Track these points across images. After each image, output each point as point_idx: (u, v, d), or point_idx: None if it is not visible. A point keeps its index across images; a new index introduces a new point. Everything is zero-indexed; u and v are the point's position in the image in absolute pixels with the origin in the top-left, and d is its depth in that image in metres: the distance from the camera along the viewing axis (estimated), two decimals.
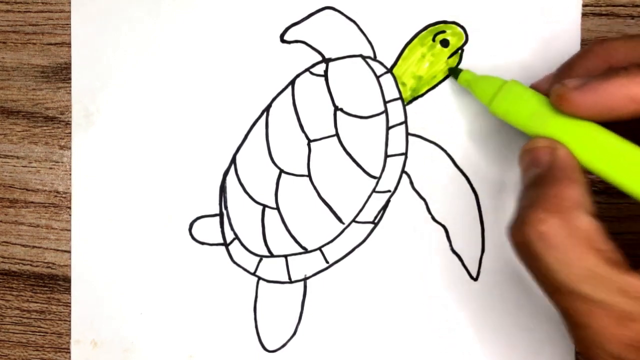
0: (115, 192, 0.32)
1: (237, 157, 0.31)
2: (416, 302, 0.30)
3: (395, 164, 0.30)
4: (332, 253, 0.31)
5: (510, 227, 0.22)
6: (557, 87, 0.23)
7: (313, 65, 0.31)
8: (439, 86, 0.30)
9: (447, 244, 0.30)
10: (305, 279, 0.31)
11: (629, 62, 0.23)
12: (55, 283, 0.33)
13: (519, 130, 0.25)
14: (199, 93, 0.31)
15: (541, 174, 0.22)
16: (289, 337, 0.31)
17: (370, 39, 0.30)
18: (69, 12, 0.32)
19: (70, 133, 0.32)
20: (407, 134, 0.30)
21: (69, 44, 0.32)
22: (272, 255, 0.31)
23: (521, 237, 0.21)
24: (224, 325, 0.31)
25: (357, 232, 0.31)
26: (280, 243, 0.31)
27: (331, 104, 0.31)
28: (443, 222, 0.30)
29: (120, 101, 0.32)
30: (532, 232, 0.21)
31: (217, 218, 0.31)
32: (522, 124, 0.24)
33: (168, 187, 0.32)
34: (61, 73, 0.32)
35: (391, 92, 0.30)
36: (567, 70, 0.25)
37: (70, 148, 0.32)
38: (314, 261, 0.31)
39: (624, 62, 0.23)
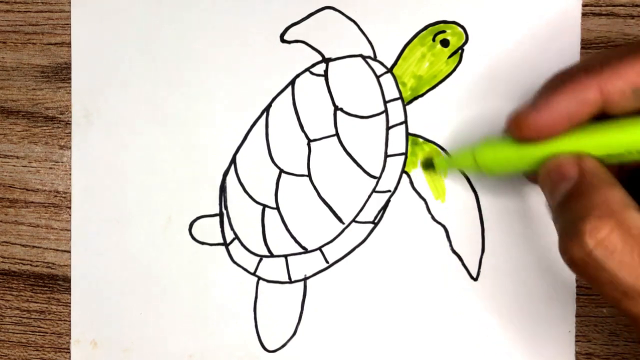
0: (115, 192, 0.32)
1: (237, 157, 0.31)
2: (416, 302, 0.30)
3: (395, 164, 0.30)
4: (332, 253, 0.31)
5: (565, 245, 0.21)
6: (509, 116, 0.23)
7: (313, 65, 0.31)
8: (439, 86, 0.30)
9: (447, 244, 0.30)
10: (305, 279, 0.31)
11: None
12: (55, 283, 0.33)
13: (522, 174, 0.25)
14: (198, 93, 0.31)
15: (575, 187, 0.22)
16: (289, 337, 0.31)
17: (370, 39, 0.30)
18: (69, 12, 0.32)
19: (70, 133, 0.32)
20: (407, 133, 0.30)
21: (69, 44, 0.32)
22: (272, 255, 0.31)
23: (580, 251, 0.20)
24: (224, 325, 0.31)
25: (357, 232, 0.31)
26: (280, 243, 0.31)
27: (331, 104, 0.31)
28: (443, 222, 0.30)
29: (120, 101, 0.32)
30: (590, 242, 0.20)
31: (217, 218, 0.31)
32: (516, 166, 0.24)
33: (168, 187, 0.32)
34: (61, 73, 0.32)
35: (391, 91, 0.30)
36: None
37: (70, 148, 0.32)
38: (314, 261, 0.31)
39: None
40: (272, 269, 0.31)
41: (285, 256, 0.31)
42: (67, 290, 0.33)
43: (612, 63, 0.21)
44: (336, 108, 0.31)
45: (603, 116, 0.23)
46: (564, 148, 0.23)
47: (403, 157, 0.30)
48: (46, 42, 0.32)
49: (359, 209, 0.31)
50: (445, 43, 0.30)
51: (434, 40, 0.30)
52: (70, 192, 0.32)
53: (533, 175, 0.27)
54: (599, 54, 0.24)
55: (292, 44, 0.31)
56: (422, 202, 0.30)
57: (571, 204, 0.22)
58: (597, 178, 0.22)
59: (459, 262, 0.30)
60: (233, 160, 0.31)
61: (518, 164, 0.24)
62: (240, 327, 0.31)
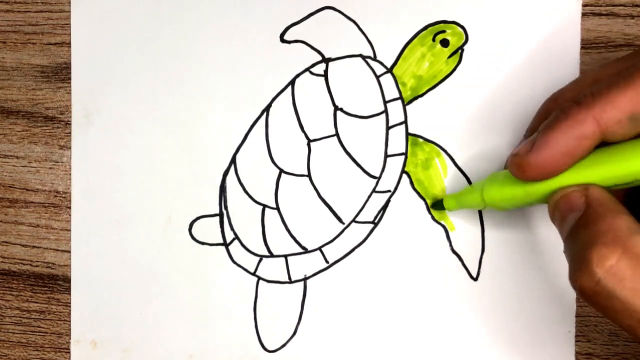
0: (115, 192, 0.32)
1: (237, 157, 0.31)
2: (416, 302, 0.30)
3: (395, 164, 0.30)
4: (332, 253, 0.31)
5: (575, 275, 0.21)
6: (510, 159, 0.23)
7: (313, 65, 0.31)
8: (439, 86, 0.30)
9: (447, 244, 0.30)
10: (305, 279, 0.31)
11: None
12: (55, 283, 0.33)
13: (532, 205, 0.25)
14: (198, 93, 0.31)
15: (582, 217, 0.22)
16: (289, 337, 0.31)
17: (370, 39, 0.30)
18: (69, 12, 0.32)
19: (70, 133, 0.32)
20: (407, 133, 0.30)
21: (69, 44, 0.32)
22: (272, 255, 0.31)
23: (589, 280, 0.20)
24: (224, 325, 0.31)
25: (357, 232, 0.31)
26: (280, 243, 0.31)
27: (331, 104, 0.31)
28: (443, 222, 0.30)
29: (120, 101, 0.32)
30: (599, 271, 0.20)
31: (217, 218, 0.31)
32: (524, 202, 0.24)
33: (168, 187, 0.32)
34: (61, 73, 0.32)
35: (391, 91, 0.30)
36: (532, 135, 0.25)
37: (70, 148, 0.32)
38: (314, 261, 0.31)
39: None
40: (272, 269, 0.31)
41: (285, 256, 0.31)
42: (67, 290, 0.33)
43: (602, 93, 0.21)
44: (336, 108, 0.31)
45: (604, 143, 0.22)
46: (570, 180, 0.22)
47: (403, 157, 0.30)
48: (46, 42, 0.32)
49: (359, 209, 0.31)
50: (445, 43, 0.30)
51: (434, 40, 0.30)
52: (70, 192, 0.32)
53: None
54: (586, 76, 0.24)
55: (292, 44, 0.31)
56: (422, 202, 0.30)
57: (579, 234, 0.22)
58: (604, 207, 0.21)
59: (459, 262, 0.30)
60: (233, 160, 0.31)
61: (526, 200, 0.24)
62: (240, 327, 0.31)
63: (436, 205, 0.30)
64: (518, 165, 0.23)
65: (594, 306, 0.21)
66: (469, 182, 0.30)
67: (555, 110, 0.22)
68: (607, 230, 0.21)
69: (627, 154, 0.22)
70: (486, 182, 0.26)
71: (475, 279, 0.30)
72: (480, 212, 0.30)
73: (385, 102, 0.30)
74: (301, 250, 0.31)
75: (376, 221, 0.31)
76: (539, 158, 0.22)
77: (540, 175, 0.22)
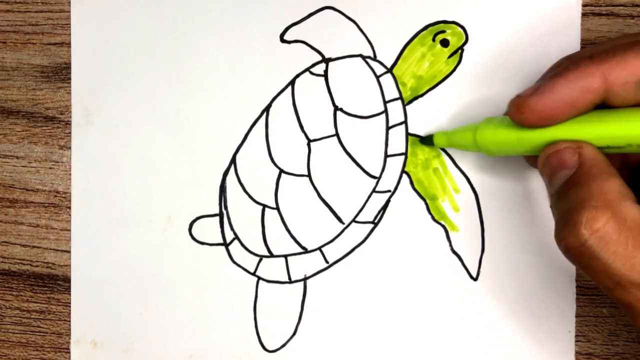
0: (115, 192, 0.32)
1: (237, 157, 0.31)
2: (416, 302, 0.30)
3: (395, 164, 0.30)
4: (332, 253, 0.31)
5: (561, 234, 0.21)
6: (512, 100, 0.23)
7: (313, 65, 0.31)
8: (439, 86, 0.30)
9: (447, 244, 0.30)
10: (305, 279, 0.31)
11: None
12: (55, 283, 0.33)
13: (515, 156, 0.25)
14: (198, 93, 0.31)
15: (574, 175, 0.22)
16: (289, 337, 0.31)
17: (370, 39, 0.30)
18: (69, 12, 0.32)
19: (70, 133, 0.32)
20: (407, 134, 0.30)
21: (69, 44, 0.32)
22: (272, 255, 0.31)
23: (576, 240, 0.21)
24: (224, 325, 0.31)
25: (357, 232, 0.31)
26: (280, 243, 0.31)
27: (331, 104, 0.31)
28: (443, 222, 0.30)
29: (120, 101, 0.32)
30: (586, 232, 0.20)
31: (217, 218, 0.31)
32: (516, 150, 0.24)
33: (168, 187, 0.32)
34: (61, 73, 0.32)
35: (391, 91, 0.30)
36: None
37: (70, 148, 0.32)
38: (314, 261, 0.31)
39: None
40: (272, 269, 0.31)
41: (285, 256, 0.31)
42: (67, 290, 0.33)
43: (617, 53, 0.21)
44: (336, 108, 0.31)
45: (604, 106, 0.22)
46: (565, 135, 0.22)
47: (403, 157, 0.30)
48: (46, 42, 0.32)
49: (359, 209, 0.31)
50: (445, 43, 0.30)
51: (434, 40, 0.30)
52: (70, 192, 0.32)
53: (533, 159, 0.27)
54: (605, 42, 0.23)
55: (292, 44, 0.31)
56: (422, 202, 0.30)
57: (569, 193, 0.22)
58: (596, 168, 0.22)
59: (459, 262, 0.30)
60: (233, 160, 0.31)
61: (518, 148, 0.24)
62: (240, 327, 0.31)
63: (425, 140, 0.29)
64: (518, 106, 0.22)
65: (575, 264, 0.22)
66: (469, 182, 0.30)
67: (564, 59, 0.22)
68: (597, 192, 0.21)
69: (626, 116, 0.22)
70: (481, 124, 0.25)
71: (475, 279, 0.30)
72: (480, 213, 0.30)
73: (385, 102, 0.30)
74: (301, 250, 0.31)
75: (376, 221, 0.31)
76: (540, 102, 0.22)
77: (537, 119, 0.22)
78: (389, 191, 0.30)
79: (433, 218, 0.30)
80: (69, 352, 0.32)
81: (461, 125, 0.30)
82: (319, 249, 0.31)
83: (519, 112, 0.23)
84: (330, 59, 0.31)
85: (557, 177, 0.23)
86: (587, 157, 0.22)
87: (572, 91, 0.22)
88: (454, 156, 0.30)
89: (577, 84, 0.22)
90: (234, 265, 0.31)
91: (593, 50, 0.22)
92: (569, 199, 0.22)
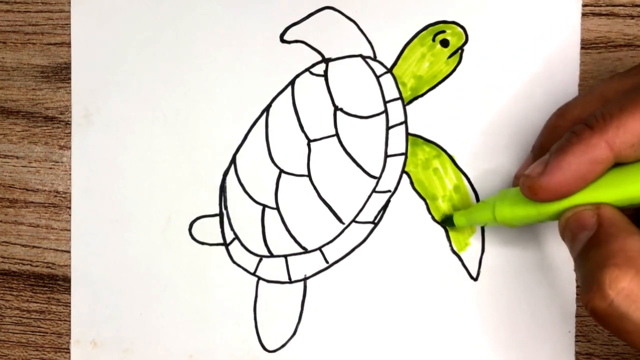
0: (115, 192, 0.32)
1: (237, 157, 0.31)
2: (416, 302, 0.30)
3: (395, 164, 0.30)
4: (332, 253, 0.31)
5: (587, 296, 0.21)
6: (522, 180, 0.23)
7: (313, 65, 0.31)
8: (439, 86, 0.30)
9: (447, 244, 0.30)
10: (305, 279, 0.31)
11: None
12: (55, 283, 0.33)
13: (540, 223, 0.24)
14: (198, 93, 0.31)
15: (594, 236, 0.22)
16: (289, 337, 0.31)
17: (370, 39, 0.30)
18: (69, 12, 0.32)
19: (70, 133, 0.32)
20: (407, 134, 0.30)
21: (69, 44, 0.32)
22: (272, 255, 0.31)
23: (602, 301, 0.20)
24: (224, 325, 0.31)
25: (357, 232, 0.31)
26: (280, 243, 0.31)
27: (331, 104, 0.31)
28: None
29: (120, 101, 0.32)
30: (612, 293, 0.20)
31: (217, 218, 0.31)
32: (536, 220, 0.24)
33: (168, 187, 0.32)
34: (61, 73, 0.32)
35: (391, 92, 0.30)
36: (539, 152, 0.25)
37: (70, 148, 0.32)
38: (314, 261, 0.31)
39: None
40: (272, 269, 0.31)
41: (285, 256, 0.31)
42: (67, 290, 0.33)
43: (614, 116, 0.21)
44: (336, 108, 0.31)
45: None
46: (583, 200, 0.22)
47: (403, 157, 0.30)
48: (46, 42, 0.32)
49: (359, 209, 0.31)
50: (445, 43, 0.30)
51: (433, 40, 0.30)
52: (70, 192, 0.32)
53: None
54: (593, 97, 0.23)
55: (292, 44, 0.31)
56: (422, 202, 0.30)
57: (590, 254, 0.21)
58: (616, 227, 0.21)
59: (459, 262, 0.30)
60: (233, 160, 0.31)
61: (537, 219, 0.24)
62: (240, 327, 0.31)
63: (446, 222, 0.30)
64: (530, 188, 0.22)
65: (606, 327, 0.21)
66: (469, 182, 0.30)
67: (567, 133, 0.22)
68: (619, 250, 0.20)
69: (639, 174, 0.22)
70: (497, 199, 0.26)
71: (475, 279, 0.30)
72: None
73: (385, 102, 0.30)
74: (301, 250, 0.31)
75: (376, 221, 0.31)
76: (551, 181, 0.22)
77: (552, 197, 0.22)
78: (389, 191, 0.30)
79: (433, 218, 0.30)
80: (69, 352, 0.32)
81: (461, 127, 0.30)
82: (319, 249, 0.31)
83: (532, 193, 0.23)
84: (330, 59, 0.31)
85: (578, 240, 0.22)
86: (606, 217, 0.22)
87: (581, 166, 0.21)
88: (454, 156, 0.30)
89: (584, 158, 0.21)
90: (234, 265, 0.31)
91: (587, 112, 0.22)
92: (590, 260, 0.21)
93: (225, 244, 0.31)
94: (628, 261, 0.20)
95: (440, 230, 0.30)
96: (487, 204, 0.26)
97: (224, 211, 0.31)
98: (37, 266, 0.33)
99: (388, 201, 0.30)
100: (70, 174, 0.32)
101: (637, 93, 0.21)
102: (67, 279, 0.33)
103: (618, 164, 0.22)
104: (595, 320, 0.21)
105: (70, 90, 0.32)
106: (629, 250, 0.20)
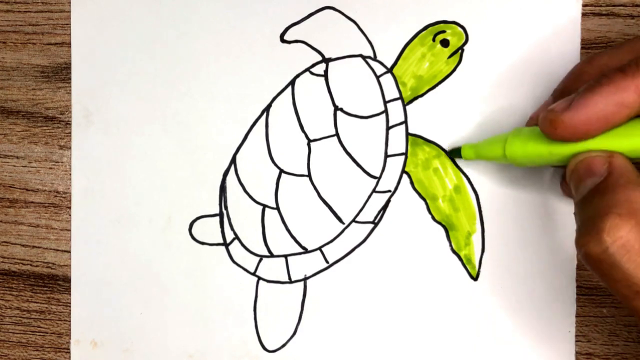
0: (115, 192, 0.32)
1: (237, 157, 0.31)
2: (416, 302, 0.30)
3: (395, 164, 0.30)
4: (332, 253, 0.31)
5: (582, 239, 0.21)
6: (544, 114, 0.23)
7: (313, 65, 0.31)
8: (439, 86, 0.30)
9: (447, 244, 0.30)
10: (305, 279, 0.31)
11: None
12: (55, 283, 0.33)
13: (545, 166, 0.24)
14: (198, 93, 0.31)
15: (601, 183, 0.22)
16: (289, 337, 0.31)
17: (370, 39, 0.30)
18: (69, 12, 0.32)
19: (70, 133, 0.32)
20: (407, 133, 0.30)
21: (69, 44, 0.32)
22: (272, 255, 0.31)
23: (597, 247, 0.20)
24: (224, 325, 0.31)
25: (357, 232, 0.31)
26: (280, 243, 0.31)
27: (331, 104, 0.31)
28: (443, 222, 0.30)
29: (120, 101, 0.32)
30: (609, 239, 0.20)
31: (217, 218, 0.31)
32: (546, 162, 0.24)
33: (168, 187, 0.32)
34: (61, 73, 0.32)
35: (391, 91, 0.30)
36: (561, 96, 0.25)
37: (70, 148, 0.32)
38: (314, 261, 0.31)
39: None
40: (272, 269, 0.31)
41: (285, 256, 0.31)
42: (67, 290, 0.33)
43: None
44: (336, 108, 0.31)
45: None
46: (597, 146, 0.22)
47: (403, 157, 0.30)
48: (46, 42, 0.32)
49: (359, 209, 0.31)
50: (445, 43, 0.30)
51: (434, 40, 0.30)
52: (70, 192, 0.32)
53: (561, 166, 0.27)
54: (623, 50, 0.23)
55: (292, 44, 0.31)
56: (422, 202, 0.30)
57: (594, 200, 0.21)
58: (625, 177, 0.21)
59: (459, 262, 0.30)
60: (233, 160, 0.31)
61: (548, 159, 0.24)
62: (240, 327, 0.31)
63: (453, 152, 0.29)
64: (552, 122, 0.22)
65: (594, 271, 0.21)
66: (469, 182, 0.30)
67: (598, 75, 0.22)
68: (624, 200, 0.21)
69: None
70: (509, 136, 0.25)
71: (475, 279, 0.30)
72: (480, 213, 0.30)
73: (385, 102, 0.30)
74: (301, 250, 0.31)
75: (376, 221, 0.31)
76: (574, 117, 0.22)
77: (571, 135, 0.22)
78: (389, 191, 0.30)
79: (433, 218, 0.30)
80: (69, 352, 0.32)
81: (461, 127, 0.30)
82: (319, 249, 0.31)
83: (553, 127, 0.22)
84: (330, 59, 0.31)
85: (584, 185, 0.22)
86: (617, 166, 0.22)
87: (608, 107, 0.21)
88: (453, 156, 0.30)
89: (612, 99, 0.21)
90: (234, 265, 0.31)
91: (618, 61, 0.22)
92: (593, 206, 0.21)
93: (225, 244, 0.31)
94: (631, 212, 0.20)
95: (440, 230, 0.30)
96: (498, 139, 0.26)
97: (224, 211, 0.31)
98: (37, 266, 0.33)
99: (388, 201, 0.30)
100: (70, 174, 0.32)
101: None
102: (67, 279, 0.33)
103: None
104: (585, 263, 0.21)
105: (70, 90, 0.32)
106: (634, 201, 0.20)
